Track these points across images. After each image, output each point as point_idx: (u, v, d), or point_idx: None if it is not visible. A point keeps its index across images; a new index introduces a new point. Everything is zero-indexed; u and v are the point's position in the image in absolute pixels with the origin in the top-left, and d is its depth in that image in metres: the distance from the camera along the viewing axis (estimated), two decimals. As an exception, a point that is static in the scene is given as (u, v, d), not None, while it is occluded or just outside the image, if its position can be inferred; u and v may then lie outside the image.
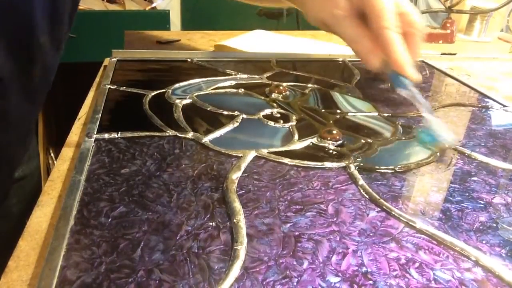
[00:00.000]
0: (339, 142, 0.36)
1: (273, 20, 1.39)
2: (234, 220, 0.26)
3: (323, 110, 0.44)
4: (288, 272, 0.22)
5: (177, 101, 0.42)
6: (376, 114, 0.44)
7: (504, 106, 0.48)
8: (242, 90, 0.47)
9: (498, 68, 0.67)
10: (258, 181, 0.30)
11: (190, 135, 0.36)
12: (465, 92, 0.53)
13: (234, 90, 0.47)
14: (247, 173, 0.31)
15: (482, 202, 0.30)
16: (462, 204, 0.29)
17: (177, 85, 0.47)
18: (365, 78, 0.55)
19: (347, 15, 0.40)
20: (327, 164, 0.33)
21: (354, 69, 0.58)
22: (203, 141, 0.35)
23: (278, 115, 0.41)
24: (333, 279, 0.22)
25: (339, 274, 0.23)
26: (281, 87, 0.47)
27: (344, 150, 0.35)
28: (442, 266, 0.24)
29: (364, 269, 0.23)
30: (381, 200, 0.29)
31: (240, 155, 0.33)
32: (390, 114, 0.44)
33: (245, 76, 0.52)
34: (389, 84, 0.39)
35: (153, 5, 1.27)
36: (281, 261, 0.23)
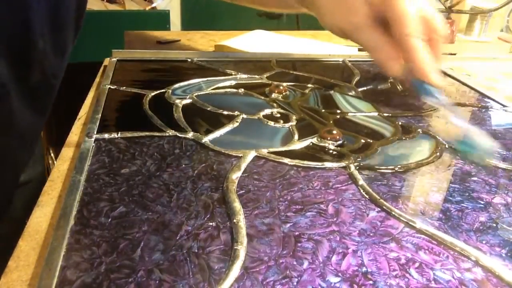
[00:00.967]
0: (339, 142, 0.36)
1: (273, 20, 1.39)
2: (234, 220, 0.26)
3: (323, 110, 0.44)
4: (288, 272, 0.22)
5: (177, 101, 0.42)
6: (376, 114, 0.44)
7: (504, 106, 0.48)
8: (242, 90, 0.47)
9: (498, 68, 0.67)
10: (258, 181, 0.30)
11: (190, 135, 0.36)
12: (465, 92, 0.53)
13: (234, 90, 0.47)
14: (247, 173, 0.31)
15: (482, 202, 0.30)
16: (462, 204, 0.29)
17: (177, 85, 0.47)
18: (365, 78, 0.55)
19: (367, 23, 0.38)
20: (327, 164, 0.33)
21: (354, 69, 0.58)
22: (203, 141, 0.35)
23: (278, 115, 0.41)
24: (333, 279, 0.22)
25: (339, 274, 0.23)
26: (281, 87, 0.47)
27: (344, 150, 0.35)
28: (442, 266, 0.24)
29: (364, 269, 0.23)
30: (381, 200, 0.29)
31: (240, 155, 0.33)
32: (390, 114, 0.44)
33: (245, 76, 0.52)
34: (411, 91, 0.39)
35: (153, 5, 1.27)
36: (281, 261, 0.23)
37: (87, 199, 0.27)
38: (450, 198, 0.30)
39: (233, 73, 0.52)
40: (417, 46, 0.37)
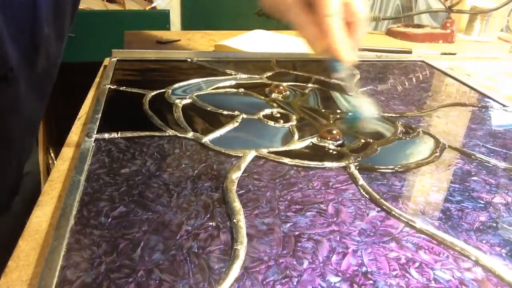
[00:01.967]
0: (339, 142, 0.36)
1: (273, 20, 1.39)
2: (234, 220, 0.26)
3: (323, 110, 0.44)
4: (288, 272, 0.22)
5: (177, 101, 0.42)
6: (376, 114, 0.44)
7: (504, 106, 0.48)
8: (242, 90, 0.47)
9: (498, 68, 0.67)
10: (258, 181, 0.30)
11: (190, 135, 0.36)
12: (465, 92, 0.53)
13: (234, 90, 0.47)
14: (247, 173, 0.31)
15: (482, 202, 0.30)
16: (462, 204, 0.29)
17: (177, 85, 0.47)
18: (365, 78, 0.55)
19: (297, 5, 0.42)
20: (327, 164, 0.33)
21: (354, 69, 0.58)
22: (203, 141, 0.35)
23: (278, 115, 0.41)
24: (333, 278, 0.22)
25: (339, 273, 0.23)
26: (281, 87, 0.47)
27: (344, 150, 0.35)
28: (442, 265, 0.24)
29: (364, 268, 0.23)
30: (381, 200, 0.29)
31: (240, 155, 0.33)
32: (390, 114, 0.44)
33: (245, 76, 0.52)
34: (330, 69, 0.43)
35: (153, 5, 1.27)
36: (281, 260, 0.23)
37: (87, 199, 0.27)
38: (450, 197, 0.30)
39: (233, 73, 0.52)
40: (333, 26, 0.40)
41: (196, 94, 0.45)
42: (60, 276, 0.21)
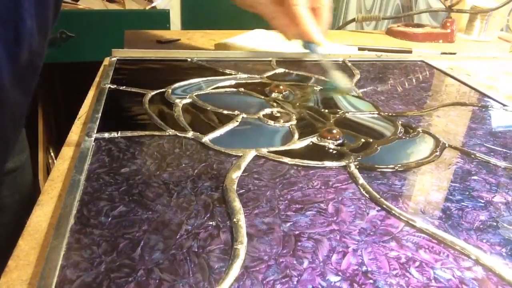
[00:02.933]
0: (339, 142, 0.36)
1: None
2: (234, 219, 0.26)
3: (323, 110, 0.44)
4: (288, 271, 0.22)
5: (177, 100, 0.42)
6: (376, 113, 0.44)
7: (504, 105, 0.48)
8: (242, 89, 0.47)
9: (498, 68, 0.67)
10: (258, 180, 0.30)
11: (190, 134, 0.36)
12: (465, 92, 0.53)
13: (234, 90, 0.47)
14: (247, 172, 0.31)
15: (482, 201, 0.30)
16: (462, 203, 0.29)
17: (177, 85, 0.47)
18: (365, 78, 0.55)
19: None
20: (327, 163, 0.33)
21: (354, 69, 0.58)
22: (203, 140, 0.35)
23: (278, 115, 0.41)
24: (333, 278, 0.22)
25: (339, 273, 0.23)
26: (281, 87, 0.47)
27: (344, 149, 0.35)
28: (443, 265, 0.24)
29: (364, 268, 0.23)
30: (381, 199, 0.29)
31: (240, 154, 0.33)
32: (390, 114, 0.44)
33: (245, 76, 0.52)
34: (308, 51, 0.50)
35: (153, 4, 1.27)
36: (281, 260, 0.23)
37: (87, 199, 0.27)
38: (450, 197, 0.30)
39: (233, 73, 0.52)
40: (302, 13, 0.45)
41: (196, 93, 0.45)
42: (60, 276, 0.21)
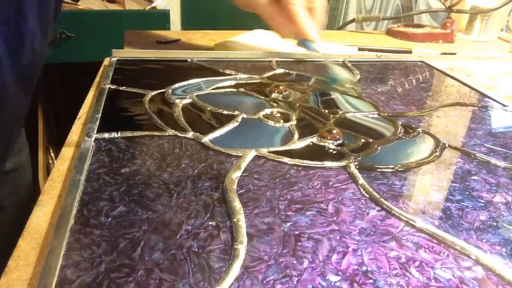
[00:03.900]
0: (339, 142, 0.36)
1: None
2: (234, 219, 0.26)
3: (323, 110, 0.44)
4: (288, 271, 0.22)
5: (177, 100, 0.42)
6: (376, 113, 0.44)
7: (504, 105, 0.48)
8: (242, 90, 0.47)
9: (498, 68, 0.67)
10: (258, 180, 0.30)
11: (190, 134, 0.36)
12: (465, 92, 0.53)
13: (234, 90, 0.47)
14: (247, 172, 0.31)
15: (483, 201, 0.30)
16: (463, 203, 0.29)
17: (177, 85, 0.47)
18: (365, 78, 0.55)
19: None
20: (327, 164, 0.33)
21: (354, 69, 0.58)
22: (203, 140, 0.35)
23: (278, 115, 0.41)
24: (333, 278, 0.22)
25: (339, 273, 0.23)
26: (281, 87, 0.47)
27: (344, 150, 0.35)
28: (443, 265, 0.24)
29: (364, 268, 0.23)
30: (381, 199, 0.29)
31: (240, 154, 0.33)
32: (390, 114, 0.44)
33: (245, 76, 0.52)
34: (304, 49, 0.51)
35: (153, 4, 1.27)
36: (281, 260, 0.23)
37: (87, 199, 0.27)
38: (451, 197, 0.30)
39: (233, 73, 0.52)
40: (298, 13, 0.47)
41: (196, 94, 0.45)
42: (60, 276, 0.21)
